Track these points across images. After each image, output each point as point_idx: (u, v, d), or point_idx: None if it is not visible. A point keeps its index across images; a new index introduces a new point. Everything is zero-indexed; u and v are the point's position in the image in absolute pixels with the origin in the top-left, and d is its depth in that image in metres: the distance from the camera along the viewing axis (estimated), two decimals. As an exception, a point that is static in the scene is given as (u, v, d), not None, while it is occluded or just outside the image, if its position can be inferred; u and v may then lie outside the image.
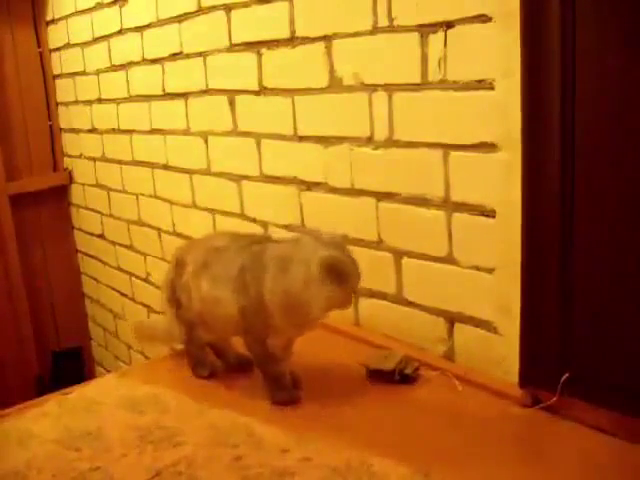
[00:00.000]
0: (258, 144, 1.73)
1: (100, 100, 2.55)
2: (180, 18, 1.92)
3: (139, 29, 2.15)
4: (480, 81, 1.14)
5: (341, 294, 1.09)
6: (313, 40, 1.47)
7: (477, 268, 1.22)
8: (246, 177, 1.81)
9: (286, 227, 1.67)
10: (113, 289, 2.82)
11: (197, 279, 1.22)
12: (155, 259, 2.40)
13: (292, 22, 1.53)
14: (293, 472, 0.96)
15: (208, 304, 1.21)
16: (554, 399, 1.07)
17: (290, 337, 1.19)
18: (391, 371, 1.23)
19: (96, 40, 2.46)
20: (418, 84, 1.26)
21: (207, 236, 1.42)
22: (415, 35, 1.24)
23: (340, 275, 1.07)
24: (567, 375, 1.05)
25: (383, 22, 1.30)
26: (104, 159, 2.64)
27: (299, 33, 1.52)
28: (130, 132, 2.38)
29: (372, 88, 1.36)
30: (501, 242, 1.15)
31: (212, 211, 2.00)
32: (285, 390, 1.18)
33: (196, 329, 1.28)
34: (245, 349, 1.25)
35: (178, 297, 1.29)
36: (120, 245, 2.66)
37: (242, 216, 1.85)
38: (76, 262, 3.14)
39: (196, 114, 1.98)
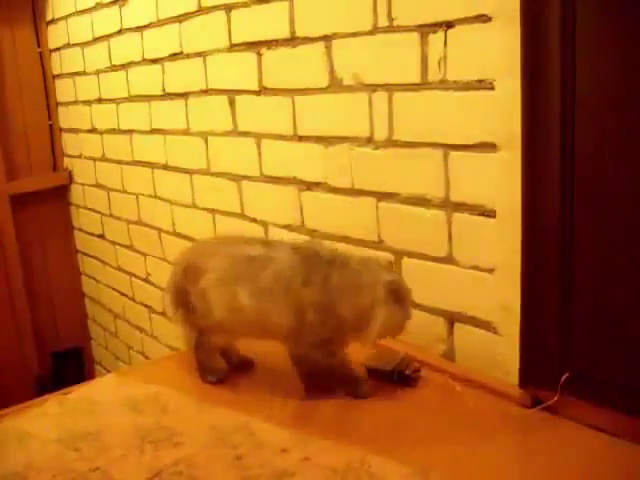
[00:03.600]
0: (258, 144, 1.73)
1: (100, 100, 2.55)
2: (180, 18, 1.92)
3: (139, 29, 2.15)
4: (480, 81, 1.14)
5: (399, 316, 1.16)
6: (313, 40, 1.47)
7: (477, 268, 1.22)
8: (246, 177, 1.81)
9: (286, 227, 1.67)
10: (113, 289, 2.82)
11: (226, 289, 1.20)
12: (155, 259, 2.40)
13: (292, 22, 1.52)
14: (293, 472, 0.96)
15: (250, 316, 1.18)
16: (554, 399, 1.07)
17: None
18: (391, 371, 1.23)
19: (96, 40, 2.46)
20: (418, 84, 1.26)
21: (223, 240, 1.39)
22: (415, 35, 1.24)
23: (401, 298, 1.14)
24: (567, 375, 1.06)
25: (383, 22, 1.30)
26: (104, 159, 2.64)
27: (299, 33, 1.52)
28: (130, 132, 2.38)
29: (372, 88, 1.36)
30: (501, 242, 1.15)
31: (212, 211, 2.00)
32: (363, 384, 1.20)
33: (209, 335, 1.27)
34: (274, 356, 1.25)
35: (191, 303, 1.26)
36: (120, 245, 2.66)
37: (242, 216, 1.85)
38: (76, 262, 3.14)
39: (196, 114, 1.98)
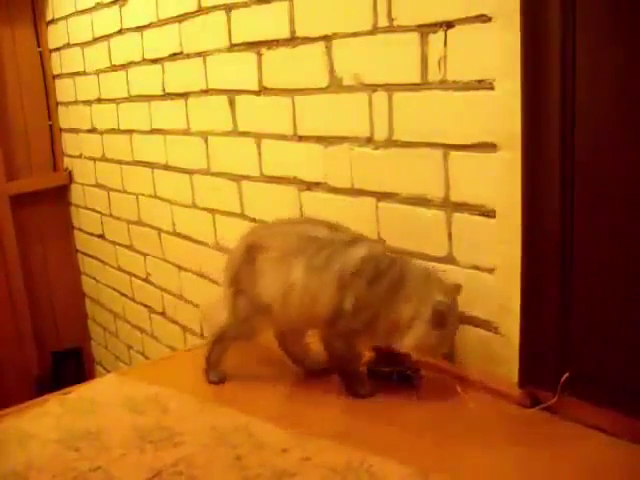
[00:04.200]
0: (258, 144, 1.73)
1: (100, 100, 2.55)
2: (180, 18, 1.92)
3: (139, 29, 2.15)
4: (480, 81, 1.14)
5: (434, 340, 1.14)
6: (313, 40, 1.47)
7: (477, 268, 1.22)
8: (246, 177, 1.81)
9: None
10: (113, 289, 2.82)
11: (284, 266, 1.20)
12: (155, 259, 2.40)
13: (292, 22, 1.52)
14: (293, 472, 0.96)
15: (297, 292, 1.18)
16: (554, 399, 1.07)
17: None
18: (391, 371, 1.23)
19: (96, 40, 2.46)
20: (418, 84, 1.26)
21: (286, 222, 1.38)
22: (415, 35, 1.24)
23: (444, 323, 1.12)
24: (567, 375, 1.06)
25: (383, 22, 1.30)
26: (104, 159, 2.64)
27: (299, 33, 1.52)
28: (130, 132, 2.38)
29: (372, 88, 1.36)
30: (501, 242, 1.15)
31: (212, 211, 2.00)
32: (365, 384, 1.20)
33: (251, 320, 1.25)
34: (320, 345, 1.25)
35: (244, 284, 1.25)
36: (120, 245, 2.66)
37: (242, 216, 1.85)
38: (76, 262, 3.14)
39: (196, 114, 1.98)
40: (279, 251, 1.22)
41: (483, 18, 1.11)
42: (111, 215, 2.68)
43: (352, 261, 1.16)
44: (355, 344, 1.19)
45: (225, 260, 1.35)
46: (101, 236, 2.83)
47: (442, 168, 1.24)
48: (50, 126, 2.98)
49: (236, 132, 1.81)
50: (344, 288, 1.15)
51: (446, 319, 1.13)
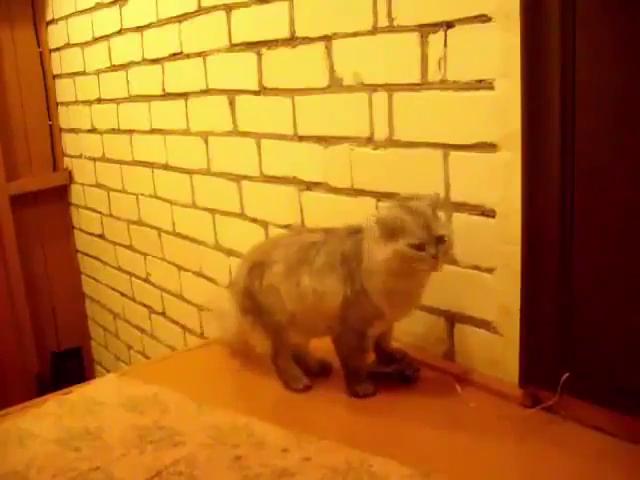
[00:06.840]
0: (258, 144, 1.73)
1: (100, 100, 2.55)
2: (180, 18, 1.92)
3: (139, 29, 2.15)
4: (480, 81, 1.14)
5: (387, 251, 1.07)
6: (313, 40, 1.47)
7: (477, 268, 1.22)
8: (246, 177, 1.81)
9: (286, 227, 1.67)
10: (113, 289, 2.82)
11: (292, 277, 1.20)
12: (155, 259, 2.40)
13: (292, 22, 1.53)
14: (293, 472, 0.96)
15: (309, 299, 1.19)
16: (554, 399, 1.07)
17: (391, 322, 1.23)
18: (391, 372, 1.23)
19: (96, 40, 2.46)
20: (418, 84, 1.26)
21: (284, 235, 1.39)
22: (415, 35, 1.24)
23: (392, 230, 1.07)
24: (567, 375, 1.06)
25: (383, 22, 1.30)
26: (104, 159, 2.64)
27: (299, 33, 1.52)
28: (130, 132, 2.38)
29: (372, 88, 1.36)
30: (501, 242, 1.15)
31: (212, 211, 2.00)
32: (366, 383, 1.20)
33: (283, 334, 1.25)
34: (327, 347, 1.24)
35: (258, 303, 1.25)
36: (120, 245, 2.66)
37: (242, 216, 1.86)
38: (76, 262, 3.14)
39: (196, 114, 1.98)
40: (285, 264, 1.22)
41: (483, 18, 1.11)
42: (111, 215, 2.69)
43: (338, 251, 1.17)
44: (366, 335, 1.18)
45: (231, 283, 1.35)
46: (101, 236, 2.83)
47: (442, 168, 1.24)
48: (50, 126, 2.98)
49: (236, 132, 1.81)
50: (345, 278, 1.16)
51: (391, 226, 1.07)
